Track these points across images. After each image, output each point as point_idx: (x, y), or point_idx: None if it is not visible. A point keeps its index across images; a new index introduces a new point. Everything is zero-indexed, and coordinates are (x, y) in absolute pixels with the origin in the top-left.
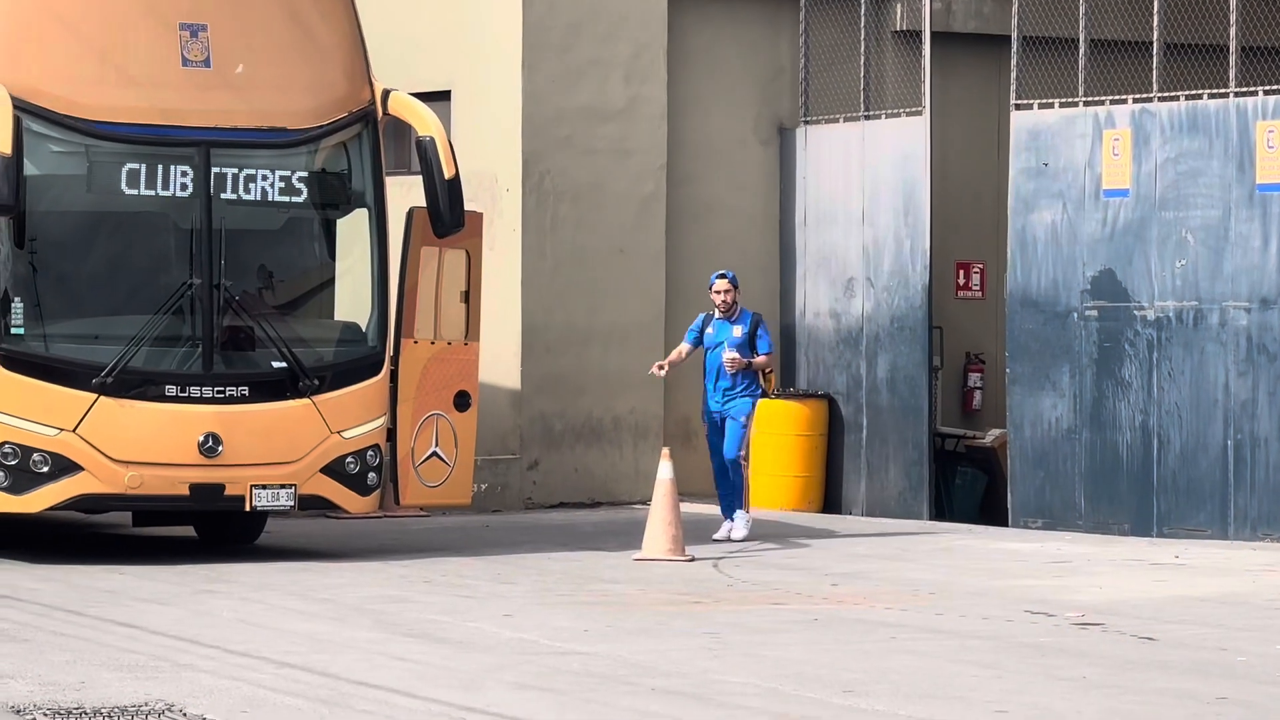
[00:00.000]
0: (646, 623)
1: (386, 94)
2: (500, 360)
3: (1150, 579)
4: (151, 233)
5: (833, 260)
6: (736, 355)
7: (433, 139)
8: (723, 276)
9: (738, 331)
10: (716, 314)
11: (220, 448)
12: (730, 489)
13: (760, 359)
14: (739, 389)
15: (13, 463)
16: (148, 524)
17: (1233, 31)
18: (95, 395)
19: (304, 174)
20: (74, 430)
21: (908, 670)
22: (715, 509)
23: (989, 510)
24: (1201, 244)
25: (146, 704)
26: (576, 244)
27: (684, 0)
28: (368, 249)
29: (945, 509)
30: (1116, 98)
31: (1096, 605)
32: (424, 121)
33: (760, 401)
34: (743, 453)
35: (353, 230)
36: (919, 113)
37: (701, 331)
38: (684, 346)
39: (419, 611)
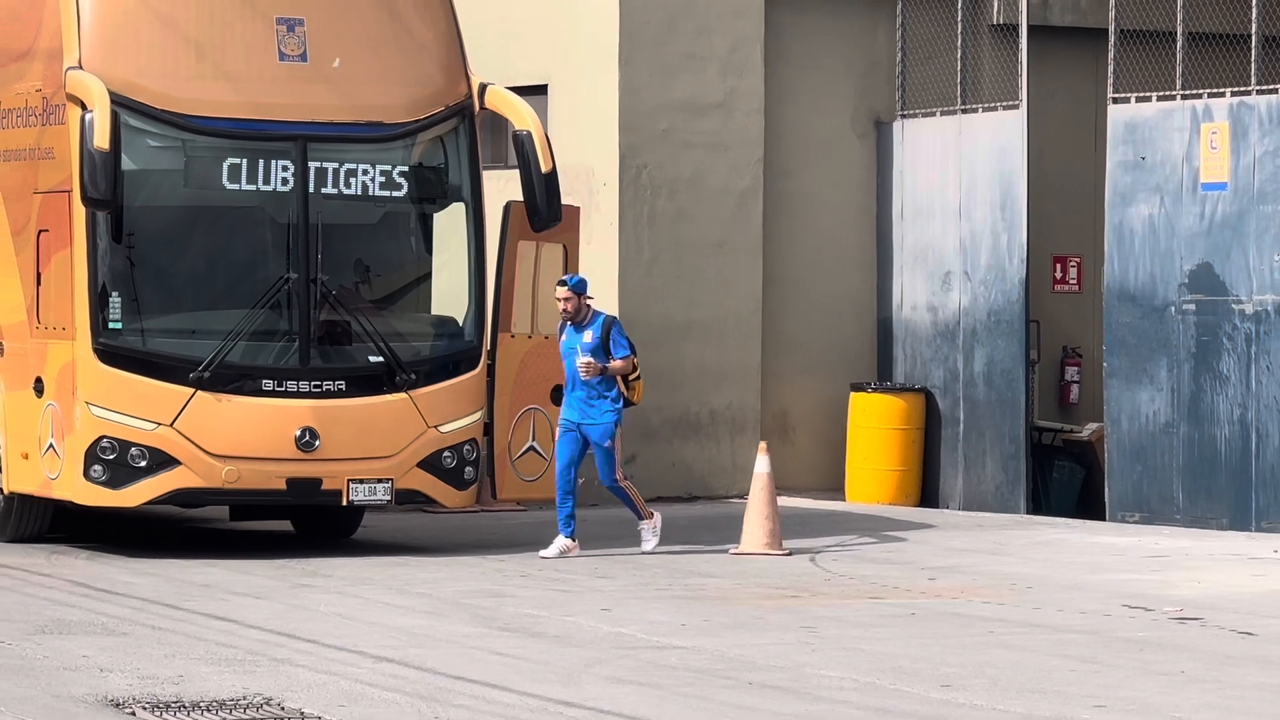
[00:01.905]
0: (744, 617)
1: (483, 88)
2: None
3: (1249, 573)
4: (248, 227)
5: (929, 254)
6: (590, 360)
7: (530, 133)
8: (563, 284)
9: (588, 337)
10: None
11: (317, 442)
12: (569, 497)
13: (616, 364)
14: (597, 397)
15: (111, 457)
16: (245, 518)
17: None
18: (192, 390)
19: (401, 168)
20: (171, 425)
21: (1005, 664)
22: (814, 503)
23: (1086, 504)
24: None
25: (245, 698)
26: (673, 238)
27: None
28: (465, 243)
29: (1042, 503)
30: (1214, 91)
31: (1195, 600)
32: (521, 115)
33: (856, 395)
34: (618, 475)
35: (450, 224)
36: (1016, 106)
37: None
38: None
39: (516, 606)
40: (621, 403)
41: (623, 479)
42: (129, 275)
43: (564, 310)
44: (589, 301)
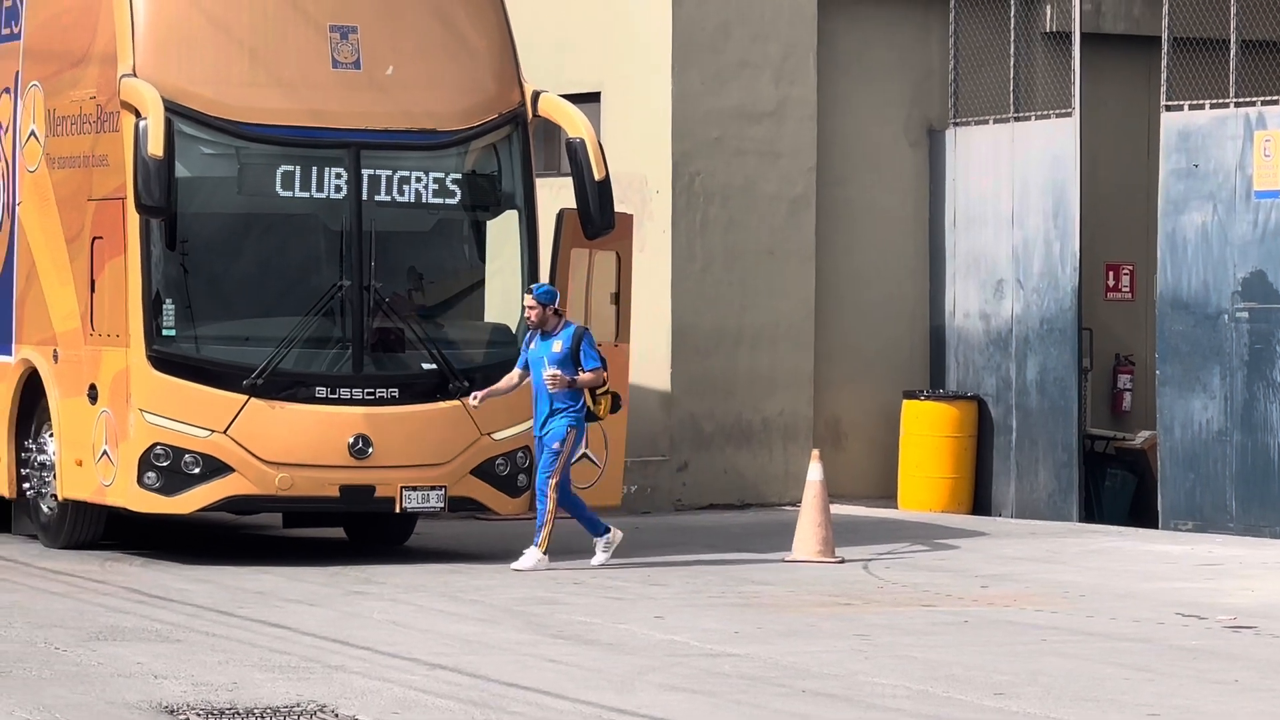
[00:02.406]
0: (797, 624)
1: (536, 95)
2: (650, 362)
3: None
4: (301, 234)
5: (982, 262)
6: (556, 372)
7: (583, 140)
8: (529, 292)
9: (557, 347)
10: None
11: (370, 449)
12: (579, 504)
13: (584, 376)
14: (563, 409)
15: (164, 464)
16: (298, 525)
17: None
18: (246, 397)
19: (454, 175)
20: (225, 432)
21: (1059, 673)
22: (866, 511)
23: (1139, 512)
24: None
25: (299, 705)
26: (726, 245)
27: (834, 1)
28: (518, 250)
29: (1095, 511)
30: (1268, 99)
31: (1248, 608)
32: (574, 123)
33: (908, 402)
34: (552, 481)
35: (503, 232)
36: (1069, 114)
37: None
38: (516, 371)
39: (569, 613)
40: (584, 413)
41: (553, 490)
42: (182, 282)
43: (529, 320)
44: (557, 311)
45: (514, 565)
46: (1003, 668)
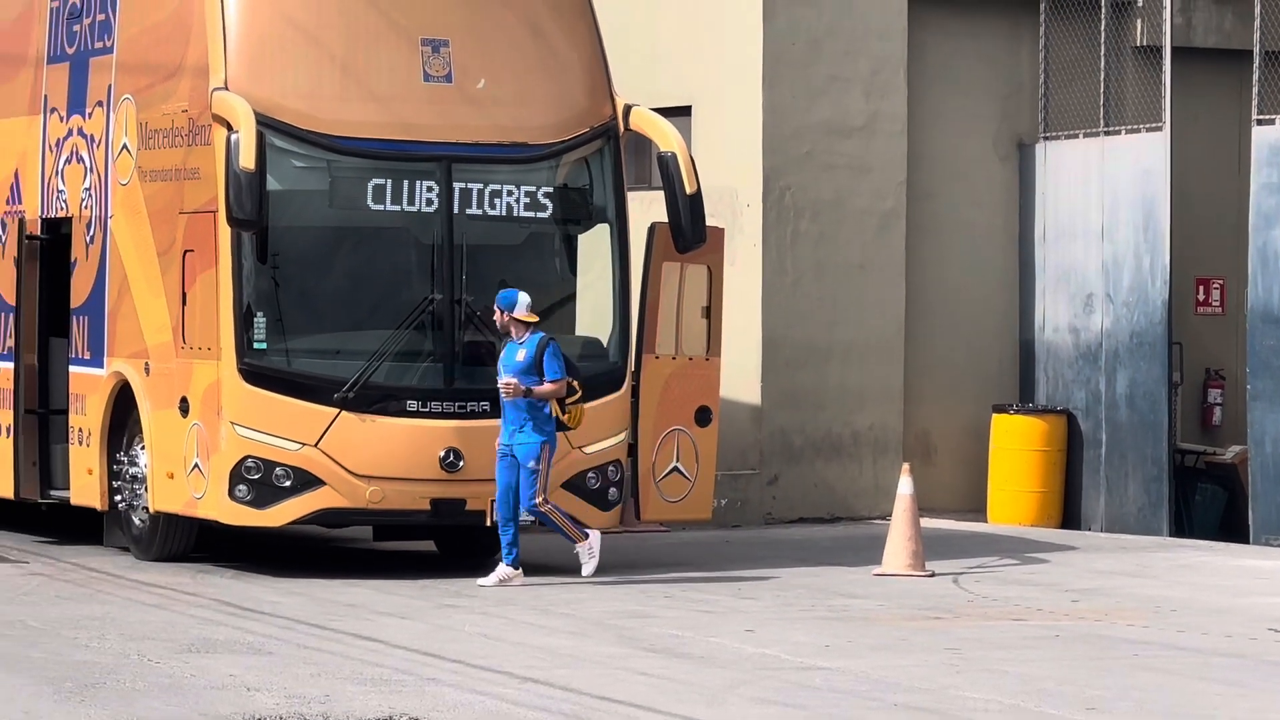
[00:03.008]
0: (888, 638)
1: (628, 109)
2: (740, 375)
3: None
4: (393, 248)
5: (1072, 276)
6: (510, 380)
7: (674, 154)
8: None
9: (520, 356)
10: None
11: (461, 463)
12: (510, 523)
13: (542, 387)
14: (527, 419)
15: (255, 477)
16: (388, 538)
17: None
18: (337, 410)
19: (546, 189)
20: (316, 445)
21: (1151, 688)
22: (956, 524)
23: (1229, 527)
24: None
25: (391, 718)
26: (816, 259)
27: (924, 16)
28: (609, 264)
29: (1185, 525)
30: None
31: None
32: (666, 137)
33: (998, 416)
34: (538, 501)
35: (594, 245)
36: (1159, 128)
37: None
38: None
39: (660, 626)
40: (553, 425)
41: (544, 503)
42: (274, 296)
43: (499, 327)
44: (526, 319)
45: (582, 573)
46: (1095, 682)
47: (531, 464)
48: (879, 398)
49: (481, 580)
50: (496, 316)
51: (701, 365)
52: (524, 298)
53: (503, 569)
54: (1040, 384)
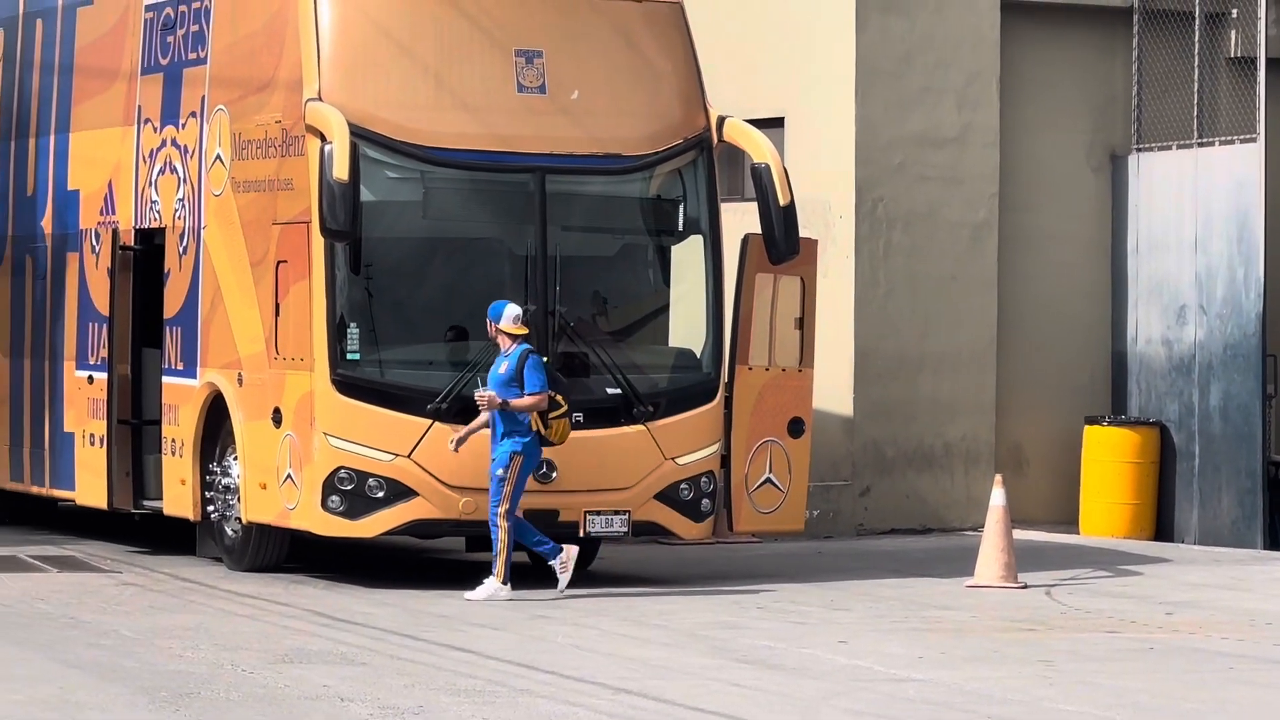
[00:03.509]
0: (980, 649)
1: (722, 120)
2: (832, 387)
3: None
4: (486, 259)
5: (1165, 288)
6: (484, 393)
7: (768, 166)
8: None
9: (503, 368)
10: None
11: (555, 474)
12: (523, 532)
13: (518, 401)
14: (508, 431)
15: (348, 488)
16: (480, 549)
17: None
18: (430, 421)
19: (639, 200)
20: (409, 456)
21: (1247, 702)
22: (1048, 536)
23: None
24: None
25: None
26: (909, 271)
27: (1016, 27)
28: (702, 275)
29: (1279, 538)
30: None
31: None
32: (759, 148)
33: (1090, 428)
34: (500, 511)
35: (687, 256)
36: (1253, 139)
37: None
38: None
39: (753, 638)
40: (530, 437)
41: (505, 517)
42: (367, 306)
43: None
44: (513, 331)
45: (468, 595)
46: (1190, 696)
47: (500, 472)
48: (971, 409)
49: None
50: (488, 327)
51: (794, 376)
52: (511, 310)
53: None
54: (1133, 396)
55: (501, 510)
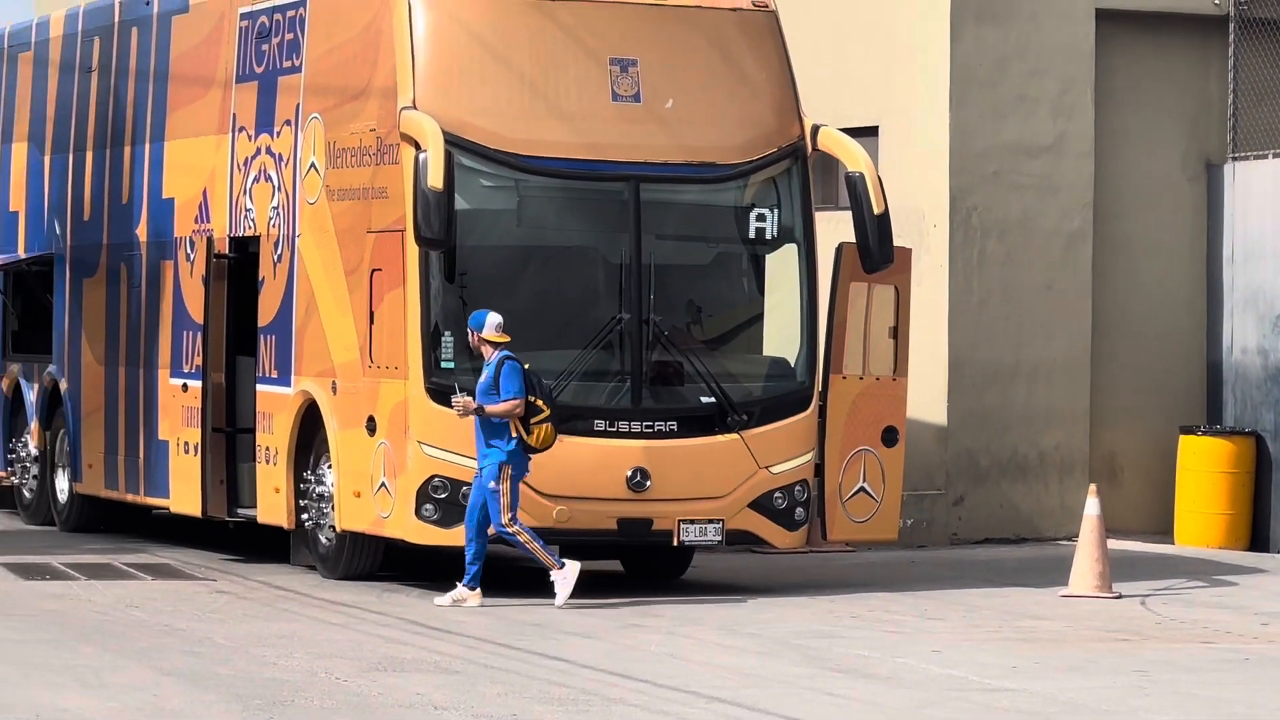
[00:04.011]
0: (1075, 659)
1: (816, 129)
2: (926, 395)
3: None
4: (580, 267)
5: (1260, 297)
6: (460, 398)
7: (862, 175)
8: None
9: (483, 375)
10: None
11: (649, 483)
12: (472, 542)
13: (493, 406)
14: (488, 439)
15: (442, 496)
16: (574, 558)
17: None
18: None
19: (733, 209)
20: None
21: None
22: (1142, 546)
23: None
24: None
25: None
26: (1003, 280)
27: (1111, 36)
28: (797, 284)
29: None
30: None
31: None
32: (854, 157)
33: (1185, 438)
34: (504, 520)
35: (781, 265)
36: None
37: None
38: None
39: (846, 646)
40: (513, 445)
41: (511, 524)
42: (461, 315)
43: (472, 347)
44: (494, 339)
45: (556, 602)
46: None
47: (492, 484)
48: (1065, 418)
49: (438, 599)
50: (470, 337)
51: (888, 385)
52: (493, 318)
53: (459, 589)
54: (1228, 405)
55: (505, 520)
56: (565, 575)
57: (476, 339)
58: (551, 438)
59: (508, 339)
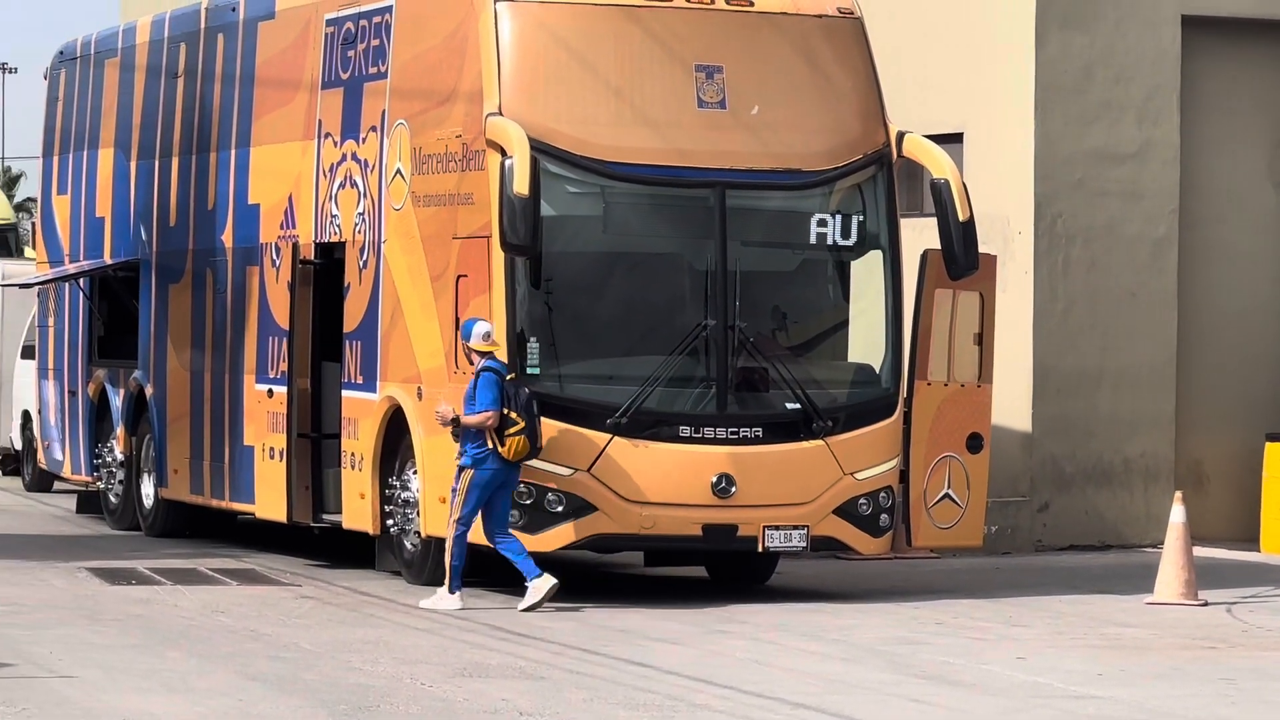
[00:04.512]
0: (1161, 667)
1: (901, 136)
2: (1011, 402)
3: None
4: (666, 273)
5: None
6: (439, 408)
7: (947, 181)
8: None
9: (467, 385)
10: None
11: (734, 489)
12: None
13: (467, 418)
14: (464, 445)
15: (527, 502)
16: (659, 564)
17: None
18: (610, 435)
19: (819, 215)
20: (588, 470)
21: None
22: (1228, 554)
23: None
24: None
25: None
26: (1088, 286)
27: (1197, 42)
28: (882, 290)
29: None
30: None
31: None
32: (939, 164)
33: (1271, 445)
34: (453, 518)
35: (866, 272)
36: None
37: None
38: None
39: (931, 653)
40: (481, 453)
41: (454, 525)
42: (547, 321)
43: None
44: (478, 348)
45: (422, 603)
46: None
47: (455, 485)
48: (1150, 425)
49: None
50: (460, 347)
51: (973, 392)
52: (480, 327)
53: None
54: None
55: (452, 521)
56: (440, 601)
57: (464, 348)
58: (525, 450)
59: (495, 347)
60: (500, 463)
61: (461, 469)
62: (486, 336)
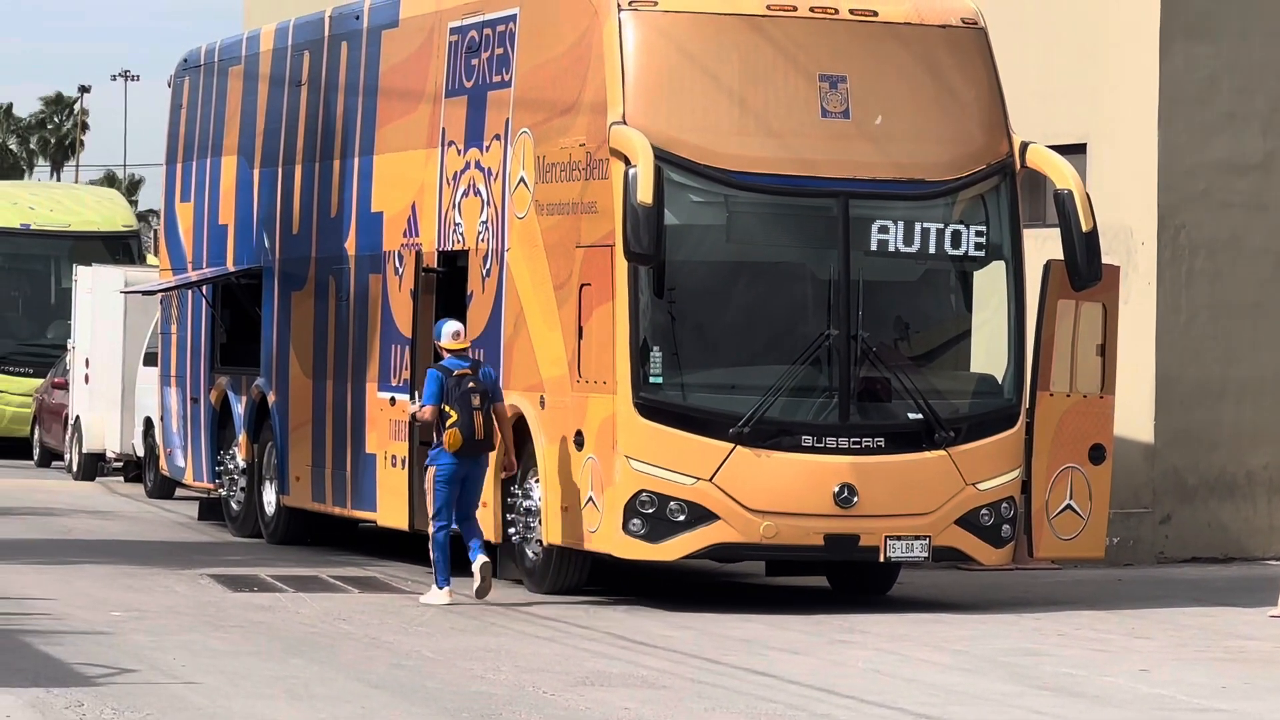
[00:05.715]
0: None
1: (1024, 146)
2: (1133, 413)
3: None
4: (788, 282)
5: None
6: (409, 407)
7: (1071, 192)
8: None
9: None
10: None
11: (855, 499)
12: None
13: (419, 411)
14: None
15: (649, 511)
16: (780, 573)
17: None
18: (732, 445)
19: (942, 226)
20: (710, 479)
21: None
22: None
23: None
24: None
25: None
26: (1212, 298)
27: None
28: (1004, 301)
29: None
30: None
31: None
32: (1062, 174)
33: None
34: (429, 513)
35: (989, 282)
36: None
37: None
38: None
39: (1053, 665)
40: (436, 449)
41: (432, 520)
42: (670, 330)
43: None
44: (447, 347)
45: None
46: None
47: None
48: (1275, 437)
49: (423, 598)
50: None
51: (1096, 403)
52: (449, 326)
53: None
54: None
55: (430, 516)
56: (431, 597)
57: (436, 347)
58: (458, 442)
59: (462, 346)
60: (451, 457)
61: (426, 467)
62: (456, 335)
